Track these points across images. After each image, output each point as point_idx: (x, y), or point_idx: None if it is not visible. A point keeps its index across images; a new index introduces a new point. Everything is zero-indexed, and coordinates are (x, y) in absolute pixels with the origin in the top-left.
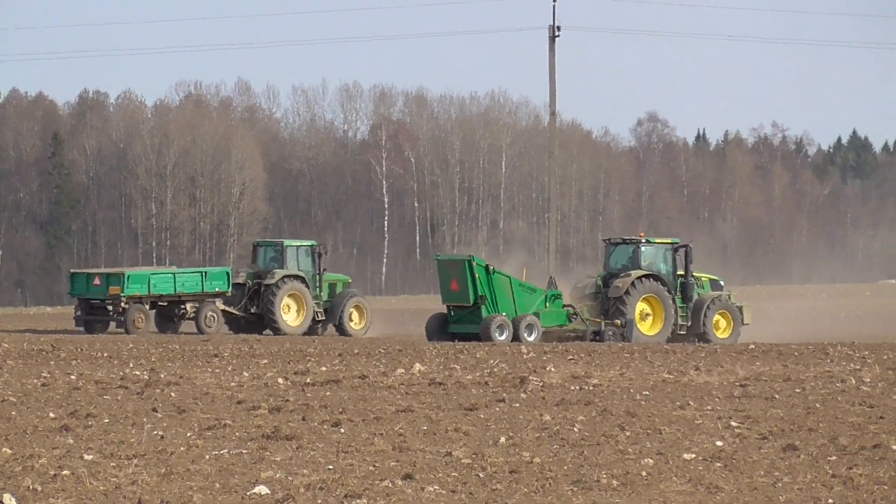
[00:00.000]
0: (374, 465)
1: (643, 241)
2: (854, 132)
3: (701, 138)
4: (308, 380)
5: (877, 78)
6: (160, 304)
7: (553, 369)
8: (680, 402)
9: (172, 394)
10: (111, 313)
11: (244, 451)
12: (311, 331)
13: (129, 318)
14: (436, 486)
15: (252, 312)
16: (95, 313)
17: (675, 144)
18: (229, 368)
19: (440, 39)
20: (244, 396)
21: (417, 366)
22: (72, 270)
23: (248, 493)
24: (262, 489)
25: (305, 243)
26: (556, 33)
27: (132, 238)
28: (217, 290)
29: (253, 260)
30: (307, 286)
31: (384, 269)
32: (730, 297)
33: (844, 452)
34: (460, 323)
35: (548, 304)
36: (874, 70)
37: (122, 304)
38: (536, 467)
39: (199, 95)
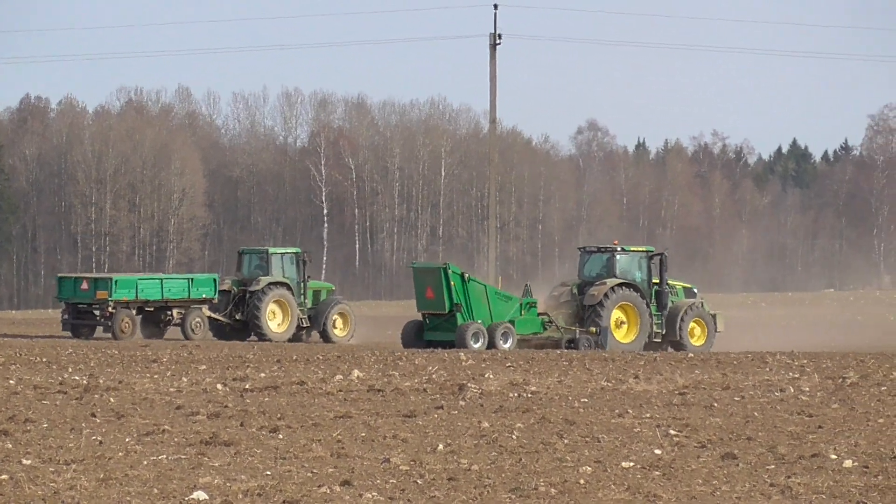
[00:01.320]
0: (312, 472)
1: (618, 249)
2: (794, 141)
3: (641, 147)
4: (247, 386)
5: (817, 87)
6: (147, 309)
7: (492, 376)
8: (619, 409)
9: (111, 399)
10: (98, 318)
11: (182, 457)
12: (295, 337)
13: (116, 322)
14: (374, 493)
15: (237, 319)
16: (82, 317)
17: (615, 153)
18: (168, 374)
19: (381, 46)
20: (183, 402)
21: (356, 372)
22: (59, 275)
23: (187, 499)
24: (200, 495)
25: (290, 251)
26: (497, 41)
27: (72, 244)
28: (203, 296)
29: (238, 267)
30: (292, 293)
31: (323, 275)
32: (703, 305)
33: (783, 461)
34: (436, 331)
35: (523, 312)
36: (814, 79)
37: (110, 309)
38: (474, 475)
39: (139, 102)
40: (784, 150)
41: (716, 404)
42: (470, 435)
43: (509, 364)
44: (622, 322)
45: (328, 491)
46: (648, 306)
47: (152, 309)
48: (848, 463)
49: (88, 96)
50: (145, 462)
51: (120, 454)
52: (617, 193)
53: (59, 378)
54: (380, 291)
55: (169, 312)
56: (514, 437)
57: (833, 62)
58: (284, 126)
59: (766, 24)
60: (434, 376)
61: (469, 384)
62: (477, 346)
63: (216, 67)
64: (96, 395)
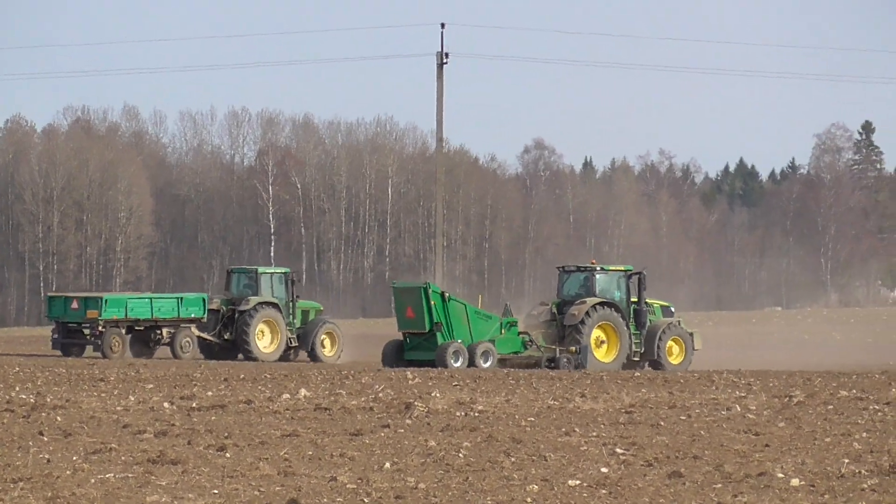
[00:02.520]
0: (259, 490)
1: (597, 268)
2: (741, 160)
3: (588, 165)
4: (194, 404)
5: (764, 106)
6: (136, 328)
7: (438, 395)
8: (565, 428)
9: (59, 418)
10: (88, 337)
11: (130, 475)
12: (283, 357)
13: (106, 341)
14: None
15: (226, 339)
16: (72, 336)
17: (561, 171)
18: (115, 392)
19: (328, 65)
20: (130, 420)
21: (303, 391)
22: (49, 294)
23: None
24: None
25: (279, 270)
26: (444, 60)
27: (19, 262)
28: (193, 315)
29: (227, 286)
30: (281, 313)
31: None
32: (680, 324)
33: (729, 480)
34: (416, 350)
35: (503, 331)
36: (761, 98)
37: (100, 328)
38: (421, 493)
39: (87, 121)
40: (731, 169)
41: (662, 423)
42: (417, 453)
43: (456, 383)
44: (602, 341)
45: None
46: (628, 325)
47: (142, 328)
48: (795, 482)
49: (36, 115)
50: (93, 480)
51: (67, 473)
52: (564, 212)
53: (7, 397)
54: (327, 310)
55: (158, 332)
56: (460, 455)
57: (780, 81)
58: (231, 145)
59: (713, 44)
60: (381, 395)
61: (416, 403)
62: (457, 365)
63: (163, 86)
64: (44, 414)
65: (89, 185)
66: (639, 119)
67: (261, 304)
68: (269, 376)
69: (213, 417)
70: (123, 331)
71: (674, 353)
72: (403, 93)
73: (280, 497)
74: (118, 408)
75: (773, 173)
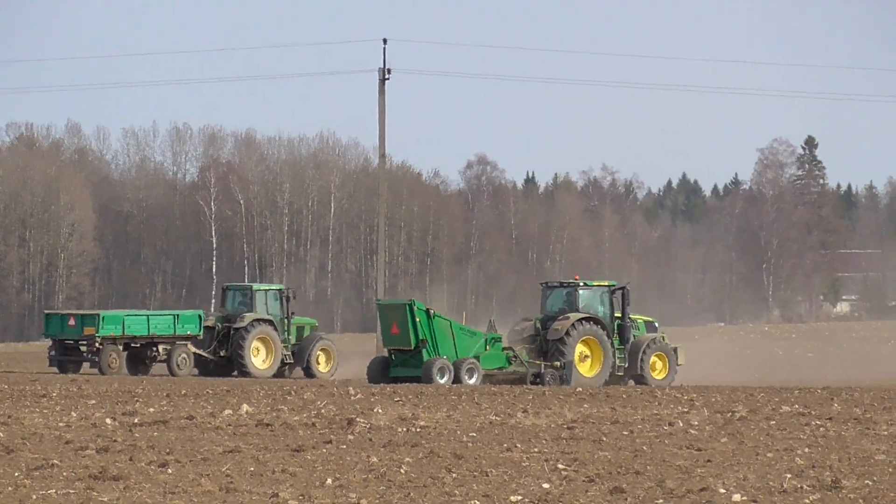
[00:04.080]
0: None
1: (581, 283)
2: (684, 175)
3: (530, 181)
4: (136, 420)
5: (707, 121)
6: (133, 345)
7: (380, 411)
8: (507, 444)
9: (0, 434)
10: (85, 353)
11: (72, 492)
12: (278, 373)
13: (104, 358)
14: None
15: (221, 355)
16: (69, 354)
17: (504, 187)
18: (57, 409)
19: (269, 81)
20: (72, 437)
21: (245, 406)
22: (46, 311)
23: None
24: None
25: (274, 287)
26: (387, 76)
27: None
28: (189, 332)
29: (222, 303)
30: (276, 330)
31: (212, 309)
32: (664, 339)
33: (671, 495)
34: (402, 367)
35: (488, 347)
36: (704, 113)
37: (97, 345)
38: None
39: (29, 137)
40: (674, 185)
41: (604, 438)
42: (359, 469)
43: (398, 398)
44: (586, 356)
45: None
46: (611, 340)
47: (139, 345)
48: (737, 497)
49: None
50: (34, 497)
51: (9, 489)
52: (506, 227)
53: None
54: None
55: (155, 349)
56: (402, 471)
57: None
58: (174, 161)
59: (653, 59)
60: (323, 411)
61: (358, 419)
62: (443, 381)
63: (106, 103)
64: None
65: (32, 202)
66: (581, 134)
67: (256, 320)
68: (211, 392)
69: (155, 433)
70: (121, 347)
71: (657, 369)
72: (346, 108)
73: None
74: (60, 424)
75: (715, 189)
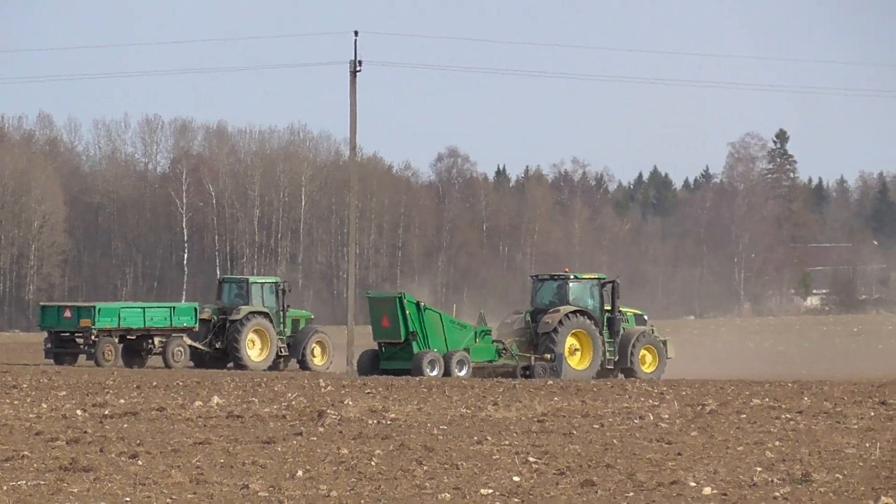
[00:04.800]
0: (171, 498)
1: (571, 276)
2: (655, 169)
3: (501, 174)
4: (106, 412)
5: (677, 114)
6: (129, 337)
7: (351, 403)
8: (478, 437)
9: None
10: (81, 345)
11: (42, 483)
12: (273, 366)
13: (99, 350)
14: None
15: (217, 348)
16: (65, 345)
17: (475, 180)
18: (28, 400)
19: (241, 73)
20: (42, 428)
21: (216, 398)
22: (42, 303)
23: None
24: None
25: (270, 280)
26: (358, 68)
27: None
28: (185, 325)
29: (218, 296)
30: (272, 322)
31: (183, 301)
32: (653, 332)
33: (642, 488)
34: (392, 360)
35: (478, 340)
36: (675, 106)
37: (93, 337)
38: (333, 501)
39: (1, 128)
40: (645, 178)
41: (575, 431)
42: (329, 461)
43: (369, 391)
44: (576, 349)
45: None
46: (601, 333)
47: (134, 337)
48: (707, 490)
49: None
50: (4, 488)
51: None
52: (477, 220)
53: None
54: None
55: (150, 341)
56: (373, 463)
57: (693, 90)
58: (145, 153)
59: (626, 52)
60: (293, 403)
61: (328, 411)
62: (433, 373)
63: (77, 94)
64: None
65: (2, 193)
66: (552, 128)
67: (252, 313)
68: (181, 384)
69: (125, 425)
70: (116, 339)
71: (647, 362)
72: (317, 101)
73: None
74: (31, 415)
75: (686, 182)
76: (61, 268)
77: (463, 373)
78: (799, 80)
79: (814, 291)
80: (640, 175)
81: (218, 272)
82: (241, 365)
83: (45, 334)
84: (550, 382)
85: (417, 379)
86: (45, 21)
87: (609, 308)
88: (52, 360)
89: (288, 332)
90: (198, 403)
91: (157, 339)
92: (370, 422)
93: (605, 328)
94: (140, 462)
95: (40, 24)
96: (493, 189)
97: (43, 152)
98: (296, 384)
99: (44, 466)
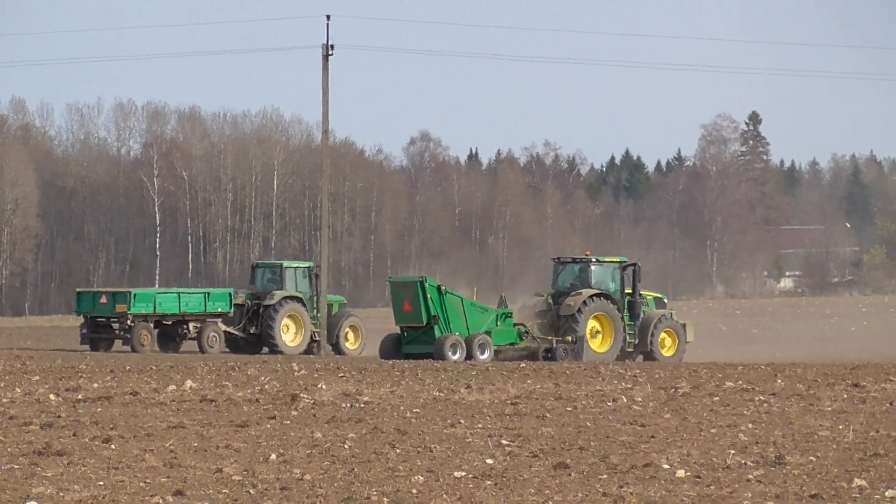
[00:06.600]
0: (144, 482)
1: (593, 259)
2: (627, 151)
3: (473, 157)
4: (79, 396)
5: (649, 97)
6: (164, 323)
7: (324, 387)
8: (451, 419)
9: None
10: (117, 331)
11: (15, 467)
12: (307, 350)
13: (136, 336)
14: (206, 503)
15: (251, 333)
16: (100, 331)
17: (447, 163)
18: (1, 384)
19: (213, 57)
20: (16, 412)
21: (189, 382)
22: (78, 289)
23: None
24: None
25: (303, 265)
26: (330, 52)
27: None
28: (219, 310)
29: (251, 281)
30: (305, 307)
31: (156, 285)
32: (673, 316)
33: (615, 471)
34: (414, 343)
35: (499, 323)
36: (647, 89)
37: (129, 323)
38: (307, 484)
39: None
40: (617, 161)
41: (548, 414)
42: (302, 445)
43: (342, 374)
44: (597, 332)
45: (161, 501)
46: (622, 316)
47: (170, 323)
48: (680, 472)
49: None
50: None
51: None
52: (449, 204)
53: None
54: None
55: (185, 326)
56: (346, 446)
57: (665, 72)
58: (118, 137)
59: (597, 35)
60: (267, 386)
61: (302, 394)
62: (455, 357)
63: (50, 79)
64: None
65: None
66: (524, 111)
67: (285, 298)
68: (155, 368)
69: (98, 409)
70: (152, 325)
71: (666, 346)
72: (289, 85)
73: (166, 489)
74: (4, 399)
75: (658, 165)
76: (34, 252)
77: (485, 356)
78: (772, 62)
79: (786, 274)
80: (613, 158)
81: (190, 256)
82: (275, 350)
83: (82, 320)
84: (523, 365)
85: (391, 362)
86: (17, 6)
87: (630, 291)
88: (87, 346)
89: (321, 316)
90: (171, 387)
91: (192, 325)
92: (343, 405)
93: (625, 311)
94: (114, 446)
95: (13, 8)
96: (466, 173)
97: (16, 137)
98: (269, 368)
99: (17, 451)
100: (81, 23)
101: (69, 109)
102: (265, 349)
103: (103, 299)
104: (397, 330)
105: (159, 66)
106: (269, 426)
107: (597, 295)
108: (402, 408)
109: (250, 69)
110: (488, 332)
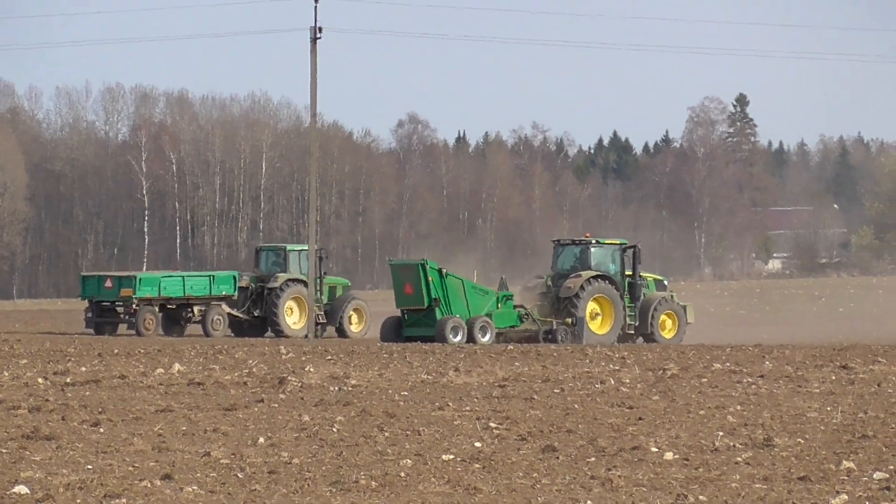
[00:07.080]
0: (133, 466)
1: (593, 241)
2: (615, 133)
3: (461, 140)
4: (68, 380)
5: (637, 79)
6: (169, 306)
7: (312, 370)
8: (439, 402)
9: None
10: (122, 315)
11: (4, 451)
12: (315, 334)
13: (140, 319)
14: (195, 487)
15: (255, 315)
16: (105, 315)
17: (435, 146)
18: None
19: (202, 41)
20: (4, 396)
21: (177, 366)
22: (83, 273)
23: (8, 493)
24: (21, 489)
25: (307, 248)
26: (318, 35)
27: None
28: (224, 293)
29: (255, 264)
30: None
31: (144, 269)
32: (673, 298)
33: (603, 454)
34: (415, 326)
35: (500, 305)
36: (634, 71)
37: (134, 306)
38: (295, 468)
39: None
40: (605, 143)
41: (536, 397)
42: (290, 428)
43: (330, 357)
44: (597, 314)
45: (149, 485)
46: (622, 298)
47: (174, 306)
48: (668, 455)
49: None
50: None
51: None
52: (437, 186)
53: None
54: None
55: (190, 309)
56: (334, 430)
57: (653, 55)
58: (106, 121)
59: (585, 17)
60: (254, 370)
61: (289, 377)
62: (457, 339)
63: (39, 62)
64: None
65: None
66: (512, 93)
67: (289, 280)
68: (142, 351)
69: (87, 393)
70: (156, 308)
71: (667, 328)
72: (277, 68)
73: (154, 472)
74: None
75: (646, 146)
76: (22, 236)
77: (486, 338)
78: (759, 43)
79: (774, 255)
80: (601, 140)
81: (178, 240)
82: (279, 332)
83: (86, 304)
84: (511, 347)
85: (378, 345)
86: None
87: (630, 273)
88: (91, 330)
89: (325, 299)
90: (159, 371)
91: (196, 308)
92: (331, 388)
93: (626, 293)
94: (102, 430)
95: None
96: (454, 155)
97: (4, 120)
98: (256, 351)
99: (6, 435)
100: (70, 6)
101: (58, 93)
102: (269, 332)
103: (108, 283)
104: (397, 312)
105: (148, 49)
106: (256, 409)
107: (597, 277)
108: (390, 391)
109: (238, 52)
110: (489, 315)
